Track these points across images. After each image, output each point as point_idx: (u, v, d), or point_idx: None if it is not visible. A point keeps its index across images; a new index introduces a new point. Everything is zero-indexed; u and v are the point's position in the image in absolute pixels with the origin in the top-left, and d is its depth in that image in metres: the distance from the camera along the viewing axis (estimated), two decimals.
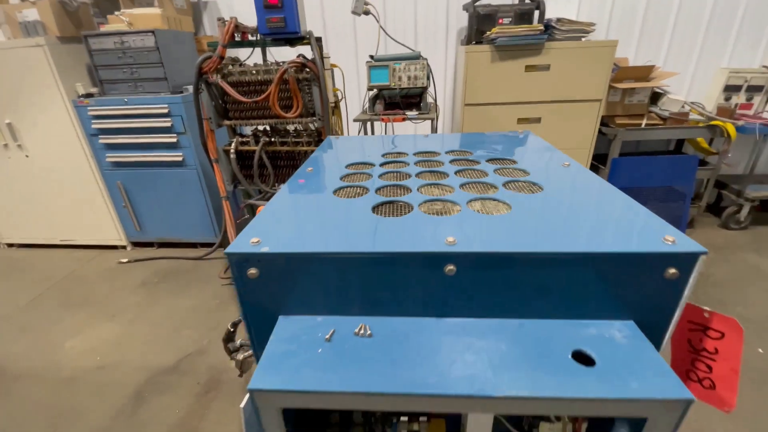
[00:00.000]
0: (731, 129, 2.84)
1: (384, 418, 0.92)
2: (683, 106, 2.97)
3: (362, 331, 0.72)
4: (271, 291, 0.75)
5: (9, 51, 2.71)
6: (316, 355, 0.68)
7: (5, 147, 3.04)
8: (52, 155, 3.04)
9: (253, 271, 0.73)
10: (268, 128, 2.61)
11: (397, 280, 0.73)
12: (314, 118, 2.37)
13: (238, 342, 1.19)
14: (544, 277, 0.71)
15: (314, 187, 1.03)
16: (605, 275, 0.69)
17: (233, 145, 2.49)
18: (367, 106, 2.77)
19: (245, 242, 0.74)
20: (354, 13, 2.56)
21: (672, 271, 0.67)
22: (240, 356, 1.16)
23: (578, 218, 0.79)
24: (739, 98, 3.11)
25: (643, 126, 2.96)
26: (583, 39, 2.74)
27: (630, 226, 0.75)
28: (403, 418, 0.84)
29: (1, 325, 2.61)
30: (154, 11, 2.81)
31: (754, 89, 3.08)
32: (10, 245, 3.56)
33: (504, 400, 0.60)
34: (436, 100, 2.75)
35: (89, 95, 2.86)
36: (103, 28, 2.75)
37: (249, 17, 2.49)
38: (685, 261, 0.66)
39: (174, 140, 2.90)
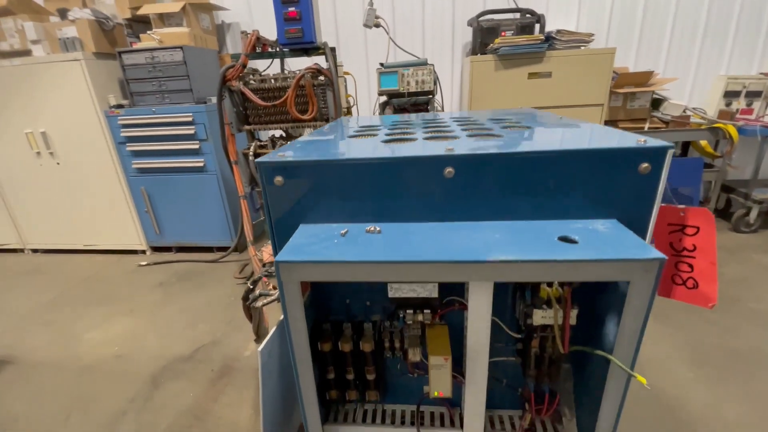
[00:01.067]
0: (733, 131, 2.92)
1: (391, 318, 0.97)
2: (684, 111, 3.07)
3: (373, 229, 0.80)
4: (294, 197, 0.85)
5: (48, 65, 2.96)
6: (332, 243, 0.77)
7: (38, 155, 3.25)
8: (82, 163, 3.24)
9: (279, 178, 0.83)
10: (284, 134, 2.78)
11: (404, 183, 0.82)
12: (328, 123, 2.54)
13: (257, 292, 1.27)
14: (533, 177, 0.79)
15: (332, 135, 1.15)
16: (587, 173, 0.78)
17: (252, 148, 2.64)
18: (377, 112, 2.93)
19: (274, 156, 0.85)
20: (365, 26, 2.77)
21: (645, 165, 0.75)
22: (259, 303, 1.24)
23: (564, 135, 0.89)
24: (740, 103, 3.20)
25: (646, 129, 3.06)
26: (582, 48, 2.90)
27: (608, 136, 0.84)
28: (409, 311, 0.90)
29: (24, 321, 2.71)
30: (183, 30, 3.07)
31: (753, 95, 3.18)
32: (35, 251, 3.72)
33: (497, 266, 0.67)
34: (443, 108, 2.90)
35: (120, 106, 3.09)
36: (136, 46, 3.01)
37: (268, 34, 2.71)
38: (656, 155, 0.74)
39: (197, 146, 3.08)
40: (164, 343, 2.42)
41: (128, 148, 3.15)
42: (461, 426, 1.08)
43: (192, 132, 3.04)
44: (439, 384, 0.92)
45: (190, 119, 3.00)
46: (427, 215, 0.85)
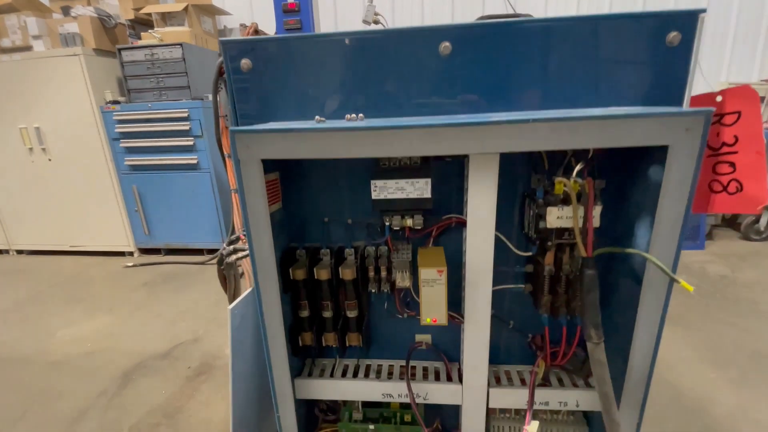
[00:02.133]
0: None
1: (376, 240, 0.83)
2: None
3: (354, 116, 0.69)
4: (262, 87, 0.74)
5: (47, 60, 2.95)
6: (302, 125, 0.65)
7: (30, 151, 3.19)
8: (73, 159, 3.17)
9: (246, 61, 0.73)
10: None
11: (392, 65, 0.71)
12: None
13: (231, 247, 1.14)
14: (546, 53, 0.68)
15: None
16: (610, 45, 0.67)
17: None
18: None
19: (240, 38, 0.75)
20: (365, 22, 2.77)
21: (673, 33, 0.65)
22: (233, 258, 1.11)
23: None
24: None
25: None
26: None
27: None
28: (396, 217, 0.76)
29: None
30: (184, 29, 3.08)
31: None
32: (20, 252, 3.58)
33: (505, 129, 0.55)
34: None
35: (116, 102, 3.05)
36: (136, 44, 3.01)
37: (266, 30, 2.71)
38: (687, 20, 0.64)
39: (191, 143, 3.01)
40: (141, 340, 2.27)
41: (122, 145, 3.09)
42: (460, 380, 0.91)
43: (187, 128, 2.98)
44: (433, 307, 0.77)
45: (185, 114, 2.95)
46: (419, 108, 0.74)
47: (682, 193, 0.60)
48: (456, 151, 0.60)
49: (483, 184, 0.68)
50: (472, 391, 0.89)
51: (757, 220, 3.09)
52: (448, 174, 0.84)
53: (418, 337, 0.98)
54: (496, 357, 0.99)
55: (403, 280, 0.81)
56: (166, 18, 3.16)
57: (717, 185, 0.73)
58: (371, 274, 0.87)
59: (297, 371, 0.96)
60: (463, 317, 0.88)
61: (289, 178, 0.87)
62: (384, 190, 0.73)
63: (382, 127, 0.59)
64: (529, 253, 0.81)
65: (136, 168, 3.15)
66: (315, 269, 0.85)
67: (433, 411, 1.04)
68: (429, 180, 0.72)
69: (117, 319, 2.49)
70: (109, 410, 1.79)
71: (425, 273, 0.75)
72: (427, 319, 0.78)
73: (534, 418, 0.83)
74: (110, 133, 3.09)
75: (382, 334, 1.00)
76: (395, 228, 0.76)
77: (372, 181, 0.73)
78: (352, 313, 0.89)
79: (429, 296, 0.76)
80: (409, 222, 0.75)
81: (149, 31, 3.06)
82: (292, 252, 0.88)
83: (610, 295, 0.79)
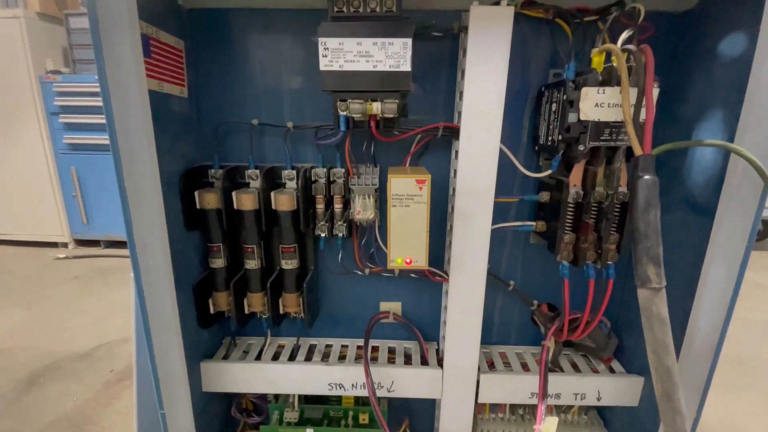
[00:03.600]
0: None
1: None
2: None
3: None
4: None
5: None
6: None
7: None
8: (4, 134, 2.79)
9: None
10: None
11: None
12: None
13: None
14: None
15: None
16: None
17: None
18: None
19: None
20: None
21: None
22: None
23: None
24: None
25: None
26: None
27: None
28: (356, 101, 0.49)
29: None
30: None
31: None
32: None
33: None
34: None
35: (57, 72, 2.72)
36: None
37: None
38: None
39: None
40: (59, 338, 1.91)
41: (61, 120, 2.74)
42: (439, 364, 0.65)
43: None
44: (408, 240, 0.51)
45: None
46: None
47: None
48: None
49: (489, 50, 0.45)
50: (456, 378, 0.62)
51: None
52: (434, 63, 0.60)
53: (384, 306, 0.71)
54: (488, 335, 0.73)
55: (365, 210, 0.55)
56: None
57: None
58: (319, 207, 0.61)
59: (206, 352, 0.67)
60: (447, 274, 0.63)
61: (200, 50, 0.61)
62: (339, 56, 0.48)
63: None
64: (547, 173, 0.56)
65: (76, 147, 2.80)
66: (235, 195, 0.57)
67: (401, 409, 0.77)
68: (409, 41, 0.47)
69: (34, 314, 2.12)
70: (4, 418, 1.45)
71: (398, 185, 0.49)
72: (397, 259, 0.52)
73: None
74: (49, 106, 2.74)
75: (333, 300, 0.73)
76: (356, 117, 0.50)
77: (320, 39, 0.47)
78: (289, 264, 0.61)
79: (403, 222, 0.50)
80: (376, 108, 0.49)
81: None
82: (201, 172, 0.61)
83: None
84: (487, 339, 0.73)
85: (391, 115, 0.49)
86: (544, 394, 0.55)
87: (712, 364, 0.51)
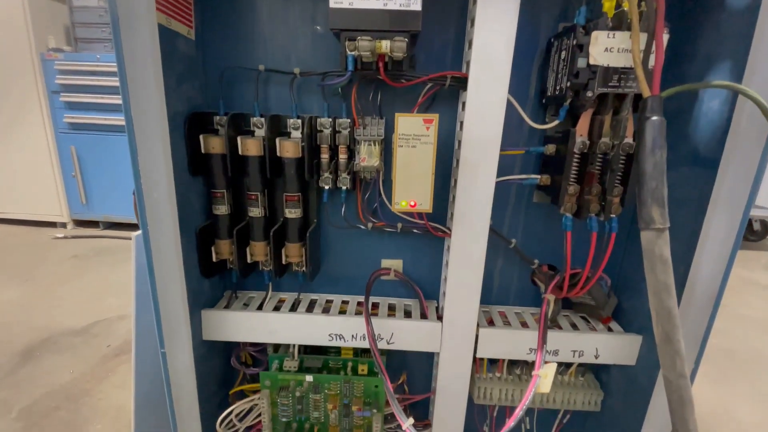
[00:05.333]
0: None
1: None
2: None
3: None
4: None
5: None
6: None
7: None
8: (3, 111, 2.77)
9: None
10: None
11: None
12: None
13: None
14: None
15: None
16: None
17: None
18: None
19: None
20: None
21: None
22: None
23: None
24: None
25: None
26: None
27: None
28: (364, 38, 0.49)
29: None
30: None
31: None
32: None
33: None
34: None
35: (59, 50, 2.70)
36: None
37: None
38: None
39: None
40: (56, 314, 1.91)
41: (62, 99, 2.72)
42: (439, 319, 0.65)
43: None
44: (413, 182, 0.51)
45: None
46: None
47: None
48: None
49: None
50: (455, 331, 0.63)
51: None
52: (444, 13, 0.60)
53: (385, 263, 0.71)
54: (487, 296, 0.73)
55: (370, 157, 0.55)
56: None
57: None
58: (324, 156, 0.61)
59: (207, 303, 0.67)
60: (449, 229, 0.63)
61: None
62: None
63: None
64: (554, 123, 0.56)
65: (76, 127, 2.78)
66: (240, 140, 0.57)
67: (399, 364, 0.78)
68: None
69: (31, 291, 2.11)
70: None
71: (405, 124, 0.49)
72: (402, 202, 0.52)
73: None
74: (50, 84, 2.72)
75: (334, 257, 0.73)
76: (364, 57, 0.50)
77: None
78: (292, 213, 0.62)
79: (408, 163, 0.50)
80: (385, 46, 0.48)
81: None
82: (206, 118, 0.61)
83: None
84: (486, 299, 0.73)
85: (400, 55, 0.49)
86: (543, 342, 0.55)
87: (711, 314, 0.51)
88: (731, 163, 0.50)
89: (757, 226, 3.12)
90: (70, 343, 1.71)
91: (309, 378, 0.64)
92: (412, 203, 0.52)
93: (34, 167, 2.88)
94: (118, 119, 2.75)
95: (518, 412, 0.47)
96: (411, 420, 0.52)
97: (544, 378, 0.50)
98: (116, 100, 2.72)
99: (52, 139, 2.81)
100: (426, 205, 0.52)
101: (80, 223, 3.06)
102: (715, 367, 1.67)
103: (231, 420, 0.67)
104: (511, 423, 0.47)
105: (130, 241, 2.34)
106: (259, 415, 0.66)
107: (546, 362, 0.52)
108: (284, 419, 0.66)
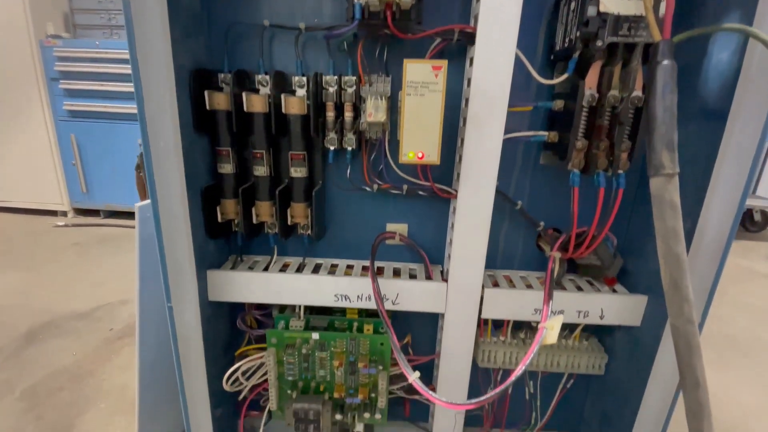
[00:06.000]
0: None
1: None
2: None
3: None
4: None
5: None
6: None
7: None
8: (2, 99, 2.76)
9: None
10: None
11: None
12: None
13: None
14: None
15: None
16: None
17: None
18: None
19: None
20: None
21: None
22: None
23: None
24: None
25: None
26: None
27: None
28: None
29: None
30: None
31: None
32: None
33: None
34: None
35: (58, 37, 2.69)
36: None
37: None
38: None
39: None
40: (58, 299, 1.91)
41: (61, 86, 2.71)
42: (444, 277, 0.65)
43: None
44: (420, 132, 0.50)
45: None
46: None
47: None
48: None
49: None
50: (460, 292, 0.63)
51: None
52: None
53: (390, 227, 0.71)
54: (492, 261, 0.73)
55: (377, 111, 0.54)
56: None
57: None
58: (329, 114, 0.60)
59: (213, 264, 0.67)
60: (455, 190, 0.63)
61: None
62: None
63: None
64: (563, 77, 0.56)
65: (76, 114, 2.77)
66: (245, 96, 0.57)
67: (404, 327, 0.78)
68: None
69: (33, 276, 2.11)
70: (2, 371, 1.46)
71: (413, 70, 0.48)
72: (409, 153, 0.51)
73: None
74: (49, 71, 2.71)
75: (339, 220, 0.73)
76: (372, 6, 0.49)
77: None
78: (298, 172, 0.61)
79: (417, 113, 0.49)
80: None
81: None
82: (210, 76, 0.60)
83: None
84: (491, 264, 0.73)
85: (408, 2, 0.49)
86: (549, 297, 0.55)
87: (723, 253, 0.51)
88: (740, 115, 0.50)
89: (757, 217, 3.13)
90: (73, 326, 1.71)
91: (315, 336, 0.64)
92: (420, 155, 0.52)
93: (34, 155, 2.87)
94: (119, 107, 2.74)
95: (526, 360, 0.48)
96: (417, 373, 0.52)
97: (551, 330, 0.50)
98: (116, 87, 2.71)
99: (52, 126, 2.81)
100: (434, 156, 0.52)
101: (81, 212, 3.06)
102: (717, 352, 1.69)
103: (237, 378, 0.67)
104: (518, 371, 0.47)
105: (131, 230, 2.33)
106: (266, 374, 0.67)
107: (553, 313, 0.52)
108: (290, 378, 0.66)
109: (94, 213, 3.04)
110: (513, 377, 0.48)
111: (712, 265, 0.52)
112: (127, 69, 2.64)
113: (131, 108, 2.70)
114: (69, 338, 1.62)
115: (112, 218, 3.04)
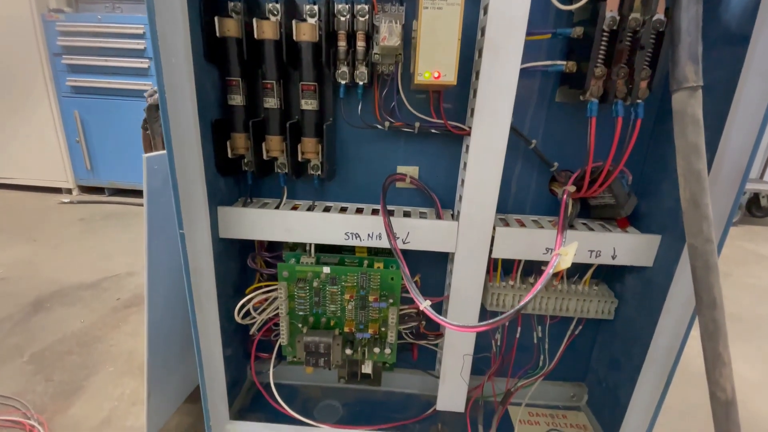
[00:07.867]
0: None
1: None
2: None
3: None
4: None
5: None
6: None
7: None
8: (6, 75, 2.74)
9: None
10: None
11: None
12: None
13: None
14: None
15: None
16: None
17: None
18: None
19: None
20: None
21: None
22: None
23: None
24: None
25: None
26: None
27: None
28: None
29: None
30: None
31: None
32: None
33: None
34: None
35: (60, 11, 2.66)
36: None
37: None
38: None
39: (145, 66, 2.64)
40: (65, 270, 1.93)
41: (64, 61, 2.69)
42: (455, 216, 0.65)
43: (141, 47, 2.61)
44: (437, 49, 0.48)
45: (140, 31, 2.58)
46: None
47: None
48: None
49: None
50: (471, 230, 0.62)
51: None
52: None
53: (401, 169, 0.71)
54: (504, 205, 0.73)
55: (391, 35, 0.53)
56: None
57: None
58: (341, 44, 0.59)
59: (224, 201, 0.66)
60: (469, 127, 0.62)
61: None
62: None
63: None
64: (582, 1, 0.54)
65: (79, 90, 2.75)
66: (255, 21, 0.56)
67: (412, 271, 0.77)
68: None
69: (41, 248, 2.13)
70: (11, 336, 1.47)
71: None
72: (425, 73, 0.50)
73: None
74: (51, 47, 2.69)
75: (350, 162, 0.72)
76: None
77: None
78: (309, 105, 0.60)
79: (433, 29, 0.48)
80: None
81: None
82: (220, 3, 0.59)
83: None
84: (503, 208, 0.73)
85: None
86: (564, 226, 0.55)
87: (741, 182, 0.50)
88: (762, 37, 0.48)
89: (764, 202, 3.14)
90: (80, 296, 1.73)
91: (326, 269, 0.64)
92: (436, 74, 0.51)
93: (38, 132, 2.87)
94: (122, 83, 2.72)
95: (539, 285, 0.47)
96: (428, 302, 0.52)
97: (565, 255, 0.49)
98: (119, 62, 2.68)
99: (56, 103, 2.80)
100: (450, 76, 0.51)
101: (85, 189, 3.07)
102: None
103: (249, 311, 0.67)
104: (533, 292, 0.47)
105: (136, 207, 2.33)
106: (277, 309, 0.67)
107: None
108: (301, 312, 0.66)
109: (98, 191, 3.06)
110: (528, 298, 0.47)
111: (733, 187, 0.51)
112: (127, 44, 2.61)
113: (135, 84, 2.68)
114: (76, 306, 1.64)
115: (116, 196, 3.05)
